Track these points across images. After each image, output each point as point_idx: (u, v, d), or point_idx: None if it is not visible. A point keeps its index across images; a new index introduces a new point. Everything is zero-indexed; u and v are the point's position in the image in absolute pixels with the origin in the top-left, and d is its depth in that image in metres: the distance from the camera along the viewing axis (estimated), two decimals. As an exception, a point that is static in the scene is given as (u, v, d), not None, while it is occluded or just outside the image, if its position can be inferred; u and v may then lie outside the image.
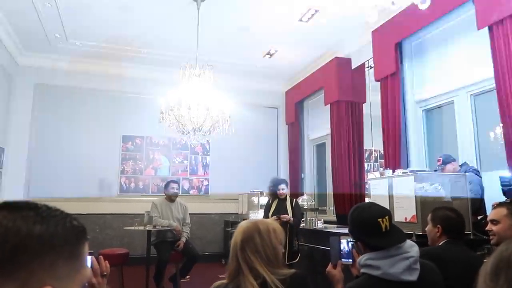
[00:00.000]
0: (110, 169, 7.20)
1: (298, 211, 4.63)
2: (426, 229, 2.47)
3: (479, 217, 3.40)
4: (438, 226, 2.33)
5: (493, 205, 2.61)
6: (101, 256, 1.42)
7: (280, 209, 4.55)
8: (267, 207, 4.75)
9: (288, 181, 7.65)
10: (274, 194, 4.67)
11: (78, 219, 0.68)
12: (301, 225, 4.92)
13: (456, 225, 2.34)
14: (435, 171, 3.80)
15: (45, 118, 6.99)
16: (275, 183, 4.68)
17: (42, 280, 0.58)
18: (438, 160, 3.88)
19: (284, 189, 4.64)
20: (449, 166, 3.76)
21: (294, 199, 4.72)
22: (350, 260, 1.85)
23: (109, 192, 7.15)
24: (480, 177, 3.71)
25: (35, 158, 6.85)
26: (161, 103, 4.87)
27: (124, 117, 7.37)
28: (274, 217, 4.53)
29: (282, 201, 4.63)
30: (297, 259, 4.45)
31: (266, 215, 4.65)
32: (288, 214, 4.47)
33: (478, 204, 3.40)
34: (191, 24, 5.45)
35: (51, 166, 6.88)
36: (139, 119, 7.34)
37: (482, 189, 3.62)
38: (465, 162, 3.99)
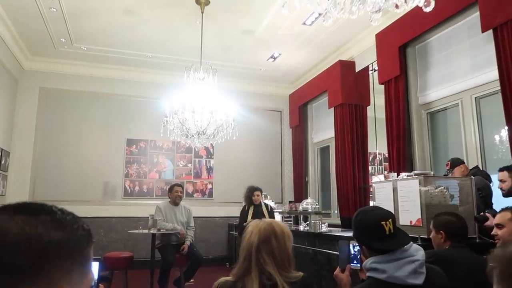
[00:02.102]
0: (114, 172, 7.22)
1: (273, 216, 5.17)
2: (430, 236, 2.48)
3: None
4: (441, 231, 2.35)
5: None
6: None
7: (258, 214, 4.96)
8: (244, 213, 5.15)
9: (293, 184, 7.78)
10: (249, 200, 5.13)
11: (85, 222, 0.68)
12: (306, 228, 4.96)
13: (459, 229, 2.35)
14: (445, 175, 3.76)
15: (50, 122, 7.04)
16: (251, 189, 5.16)
17: (60, 286, 0.59)
18: (447, 165, 3.83)
19: (259, 195, 5.13)
20: (457, 169, 3.72)
21: (268, 204, 5.28)
22: (359, 265, 1.83)
23: (114, 195, 7.18)
24: (490, 181, 3.66)
25: (40, 162, 6.89)
26: (165, 106, 4.89)
27: (128, 120, 7.40)
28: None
29: (257, 206, 5.11)
30: None
31: (244, 221, 4.92)
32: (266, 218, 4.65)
33: (482, 207, 3.37)
34: (195, 28, 5.48)
35: (56, 169, 6.91)
36: (143, 122, 7.37)
37: (491, 192, 3.57)
38: (476, 166, 3.94)
